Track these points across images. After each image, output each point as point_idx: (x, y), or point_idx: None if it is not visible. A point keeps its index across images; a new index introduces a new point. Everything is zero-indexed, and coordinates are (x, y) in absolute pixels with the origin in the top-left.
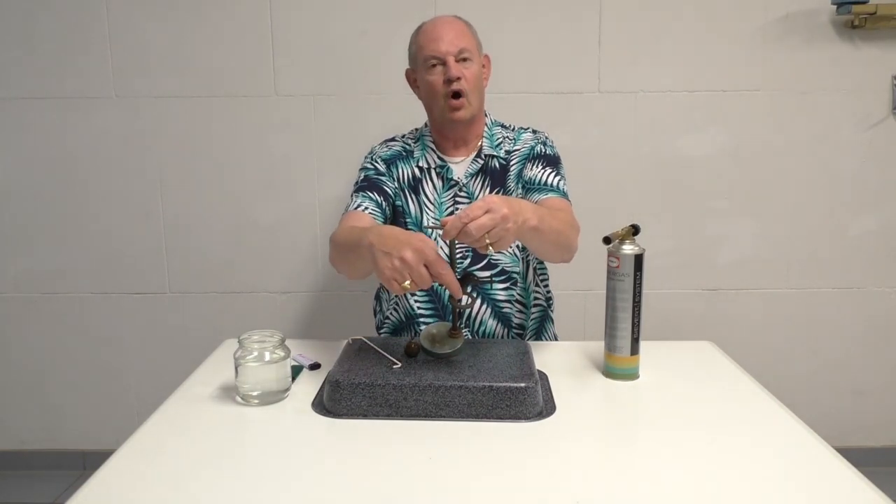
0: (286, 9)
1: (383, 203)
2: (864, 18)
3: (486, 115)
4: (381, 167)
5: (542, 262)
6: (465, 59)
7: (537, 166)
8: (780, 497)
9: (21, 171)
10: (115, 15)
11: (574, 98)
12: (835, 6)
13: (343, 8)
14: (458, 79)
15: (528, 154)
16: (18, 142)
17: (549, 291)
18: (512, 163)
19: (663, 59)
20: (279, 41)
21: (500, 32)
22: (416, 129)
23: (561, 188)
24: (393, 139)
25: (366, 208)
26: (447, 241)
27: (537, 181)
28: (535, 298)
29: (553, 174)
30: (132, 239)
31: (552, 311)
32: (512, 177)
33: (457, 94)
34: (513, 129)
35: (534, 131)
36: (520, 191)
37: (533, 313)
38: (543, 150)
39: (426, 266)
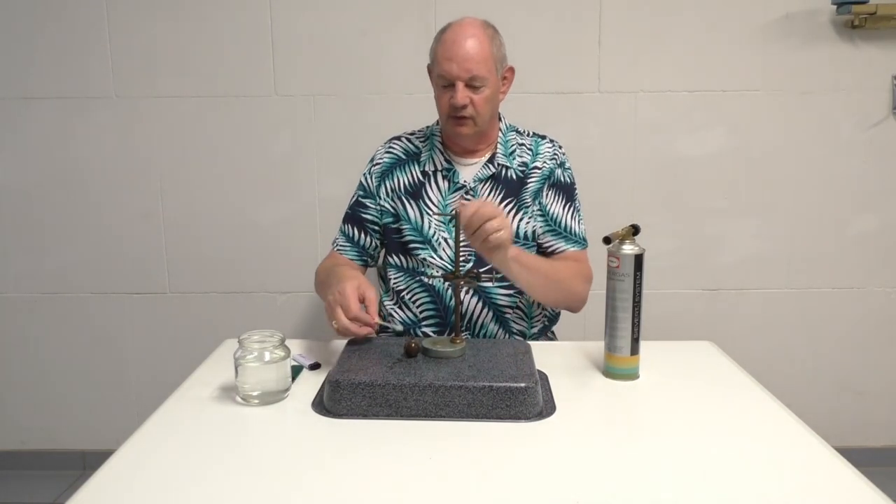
0: (286, 9)
1: (361, 237)
2: (864, 18)
3: (500, 120)
4: (373, 184)
5: None
6: (476, 86)
7: (558, 199)
8: (781, 497)
9: (21, 171)
10: (115, 15)
11: (574, 98)
12: (835, 6)
13: (343, 8)
14: (464, 106)
15: (549, 176)
16: (18, 142)
17: (557, 310)
18: (531, 178)
19: (663, 59)
20: (279, 41)
21: (501, 32)
22: (428, 127)
23: (580, 234)
24: (399, 138)
25: (342, 249)
26: (454, 223)
27: (559, 223)
28: (538, 312)
29: (572, 213)
30: (132, 239)
31: (553, 326)
32: (529, 192)
33: (461, 117)
34: (528, 135)
35: (551, 141)
36: (536, 207)
37: (534, 325)
38: (562, 178)
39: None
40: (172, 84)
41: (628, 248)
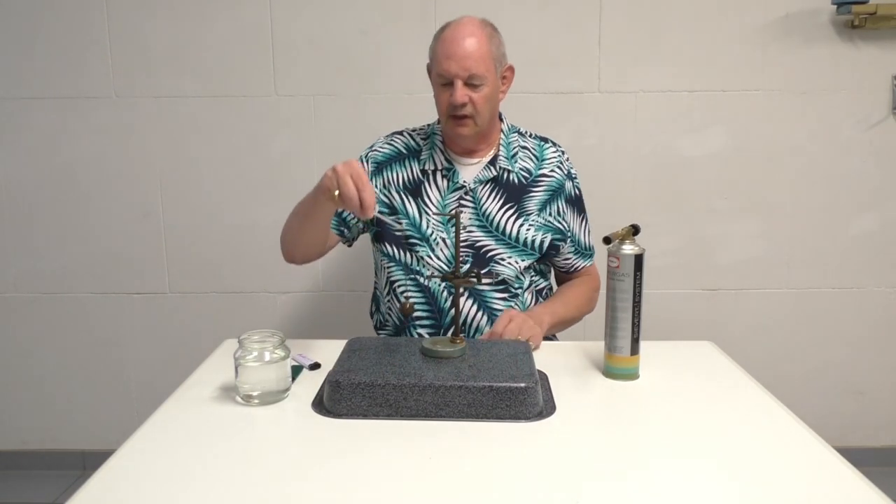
0: (286, 9)
1: (344, 219)
2: (864, 18)
3: (501, 121)
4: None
5: (550, 287)
6: (474, 84)
7: (575, 216)
8: (781, 497)
9: (21, 171)
10: (115, 15)
11: (574, 98)
12: (835, 6)
13: (343, 8)
14: (463, 104)
15: (558, 188)
16: (18, 142)
17: None
18: (537, 187)
19: (663, 59)
20: (279, 41)
21: (500, 32)
22: (429, 125)
23: (592, 246)
24: (401, 133)
25: None
26: (453, 223)
27: (579, 242)
28: None
29: (583, 226)
30: (132, 239)
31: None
32: (536, 201)
33: (461, 116)
34: (531, 137)
35: (554, 144)
36: (542, 219)
37: None
38: (573, 191)
39: (354, 180)
40: (172, 84)
41: (628, 248)
